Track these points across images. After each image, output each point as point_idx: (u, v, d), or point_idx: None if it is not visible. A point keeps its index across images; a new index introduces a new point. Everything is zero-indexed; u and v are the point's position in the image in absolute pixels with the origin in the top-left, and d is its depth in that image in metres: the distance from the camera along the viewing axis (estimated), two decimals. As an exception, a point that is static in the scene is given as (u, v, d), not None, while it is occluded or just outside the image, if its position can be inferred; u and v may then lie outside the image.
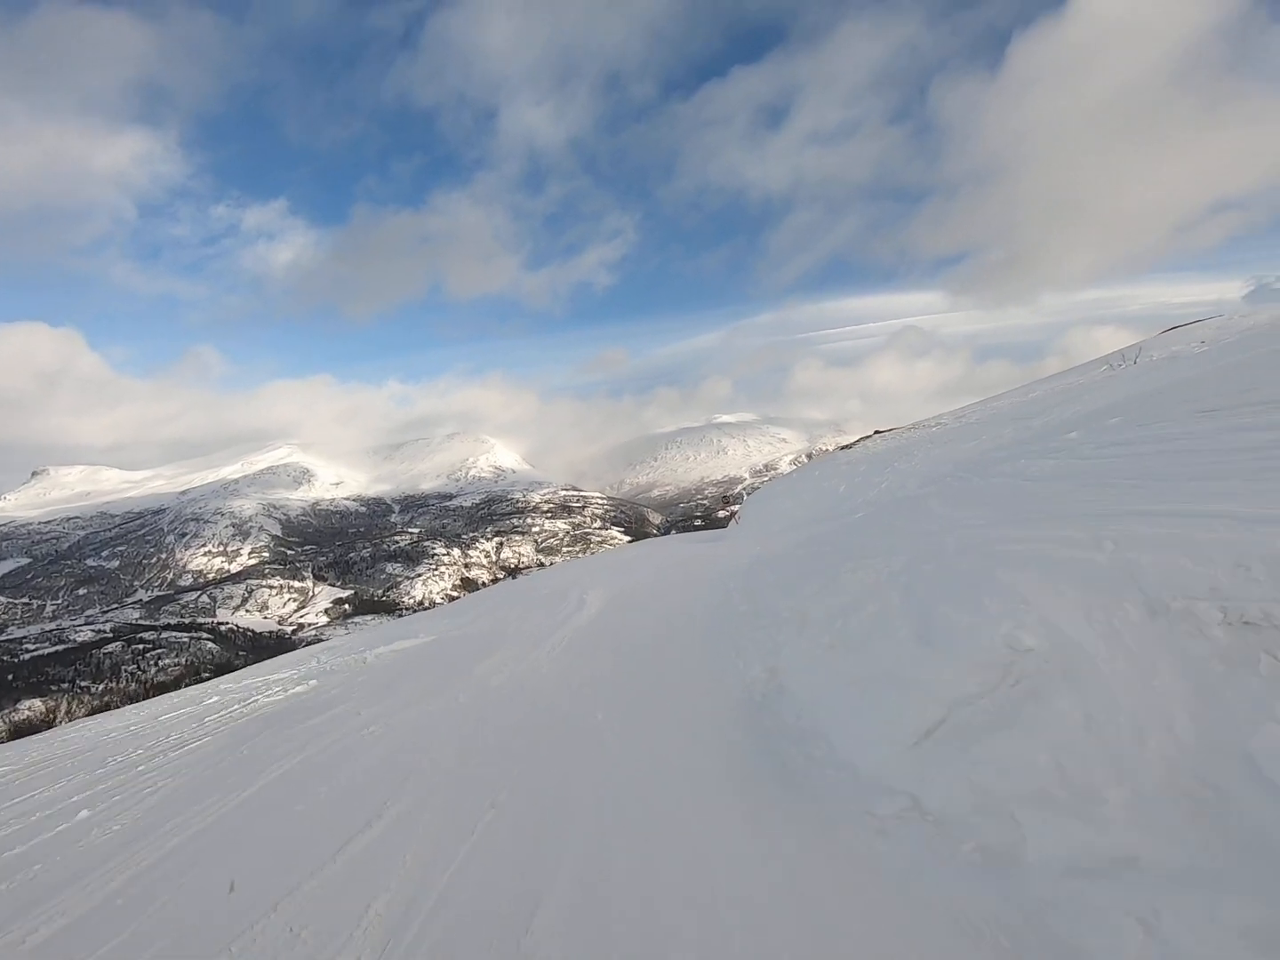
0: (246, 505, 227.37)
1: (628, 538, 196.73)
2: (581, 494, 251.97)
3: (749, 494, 28.16)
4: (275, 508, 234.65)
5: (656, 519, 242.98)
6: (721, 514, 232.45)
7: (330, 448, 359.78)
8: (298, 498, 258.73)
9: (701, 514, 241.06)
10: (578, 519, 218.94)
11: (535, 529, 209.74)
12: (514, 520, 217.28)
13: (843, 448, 24.08)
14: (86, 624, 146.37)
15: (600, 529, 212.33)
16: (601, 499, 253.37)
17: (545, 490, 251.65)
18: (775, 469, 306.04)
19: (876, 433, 23.44)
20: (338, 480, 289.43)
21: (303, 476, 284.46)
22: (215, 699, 7.66)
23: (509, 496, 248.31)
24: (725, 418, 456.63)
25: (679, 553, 15.98)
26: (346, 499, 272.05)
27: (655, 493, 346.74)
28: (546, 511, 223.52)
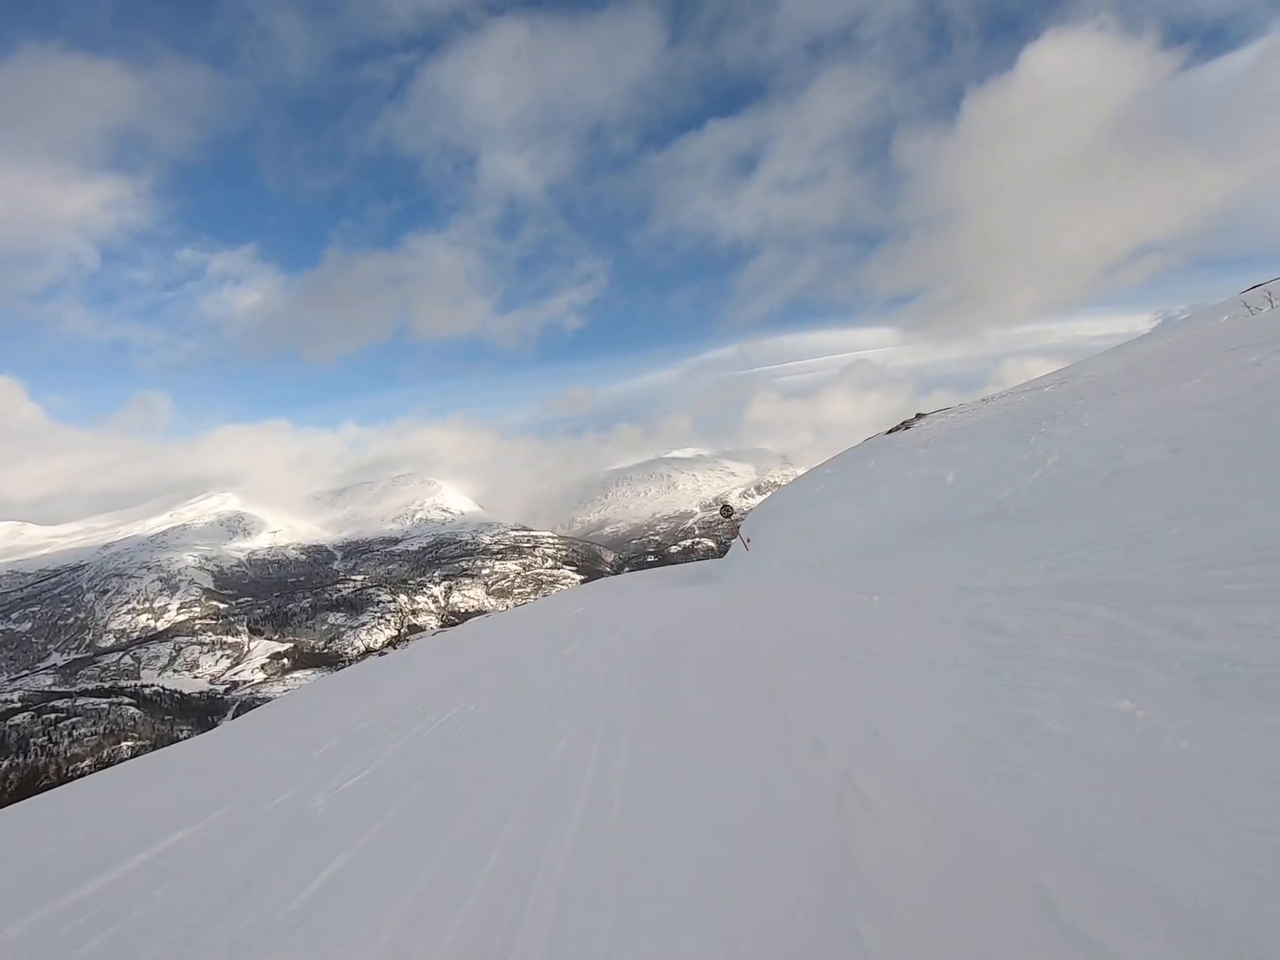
0: (176, 558, 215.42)
1: (580, 577, 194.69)
2: (532, 534, 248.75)
3: (744, 513, 21.36)
4: (208, 559, 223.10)
5: (609, 556, 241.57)
6: (674, 549, 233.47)
7: (272, 495, 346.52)
8: (233, 548, 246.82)
9: (654, 550, 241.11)
10: (529, 559, 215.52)
11: (485, 571, 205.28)
12: (463, 563, 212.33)
13: (895, 429, 19.53)
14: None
15: (552, 569, 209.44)
16: (553, 538, 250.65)
17: (495, 531, 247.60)
18: (725, 502, 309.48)
19: (919, 416, 19.71)
20: (276, 529, 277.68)
21: (237, 525, 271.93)
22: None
23: (458, 539, 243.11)
24: (676, 452, 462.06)
25: (643, 613, 11.27)
26: (286, 547, 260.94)
27: (607, 530, 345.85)
28: (497, 553, 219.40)
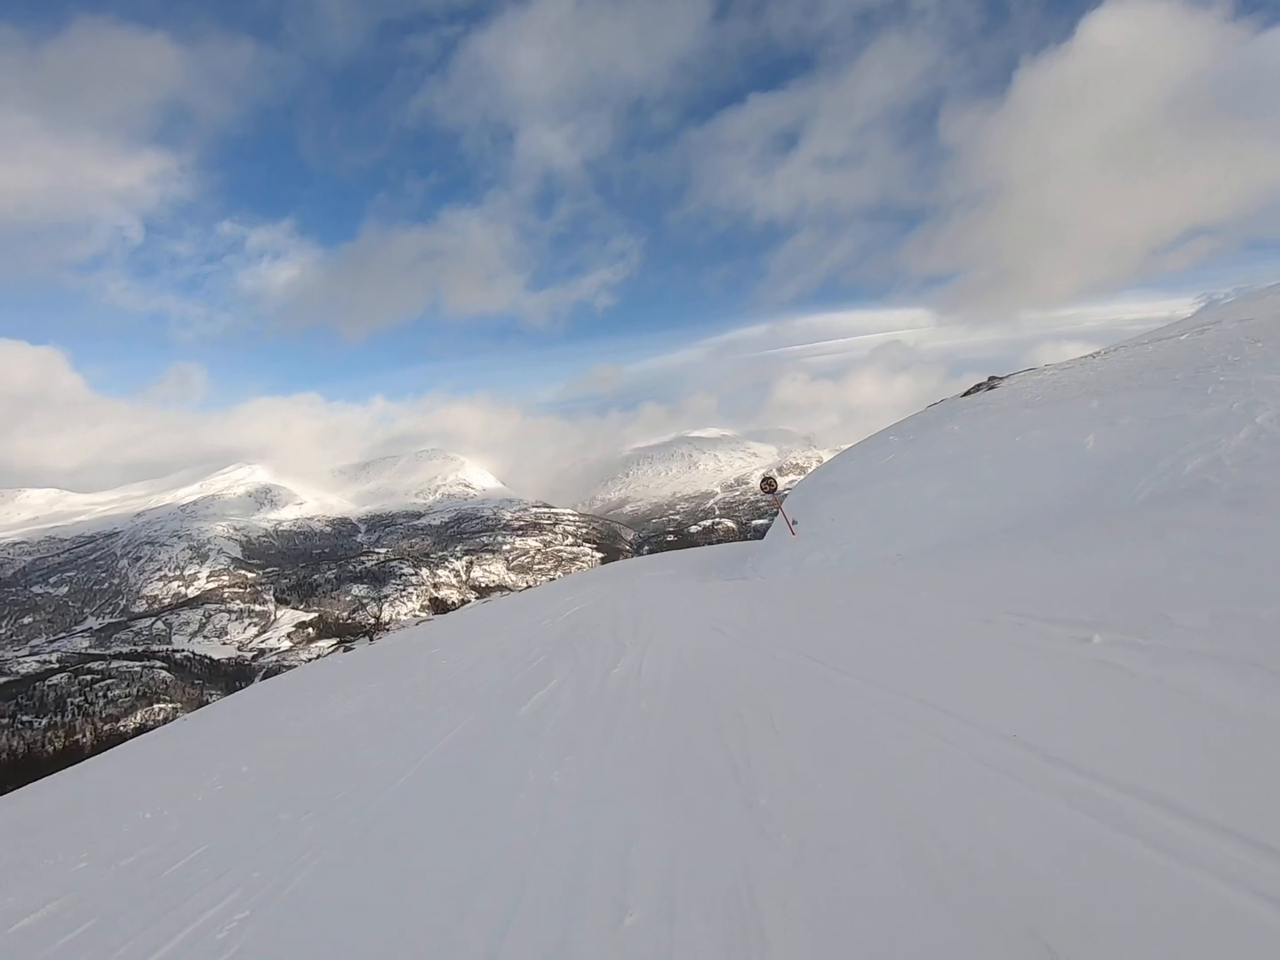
0: (206, 527, 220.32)
1: (600, 555, 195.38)
2: (553, 511, 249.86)
3: (788, 488, 18.72)
4: (236, 529, 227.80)
5: (629, 535, 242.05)
6: (694, 529, 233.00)
7: (300, 467, 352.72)
8: (261, 519, 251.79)
9: (674, 529, 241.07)
10: (549, 536, 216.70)
11: (506, 547, 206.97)
12: (484, 538, 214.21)
13: (973, 391, 17.44)
14: (31, 654, 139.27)
15: (572, 546, 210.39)
16: (574, 516, 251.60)
17: (517, 508, 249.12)
18: (746, 483, 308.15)
19: (993, 378, 17.75)
20: (303, 501, 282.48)
21: (265, 497, 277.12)
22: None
23: (479, 514, 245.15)
24: (698, 432, 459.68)
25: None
26: (312, 519, 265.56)
27: (627, 509, 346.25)
28: (518, 529, 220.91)
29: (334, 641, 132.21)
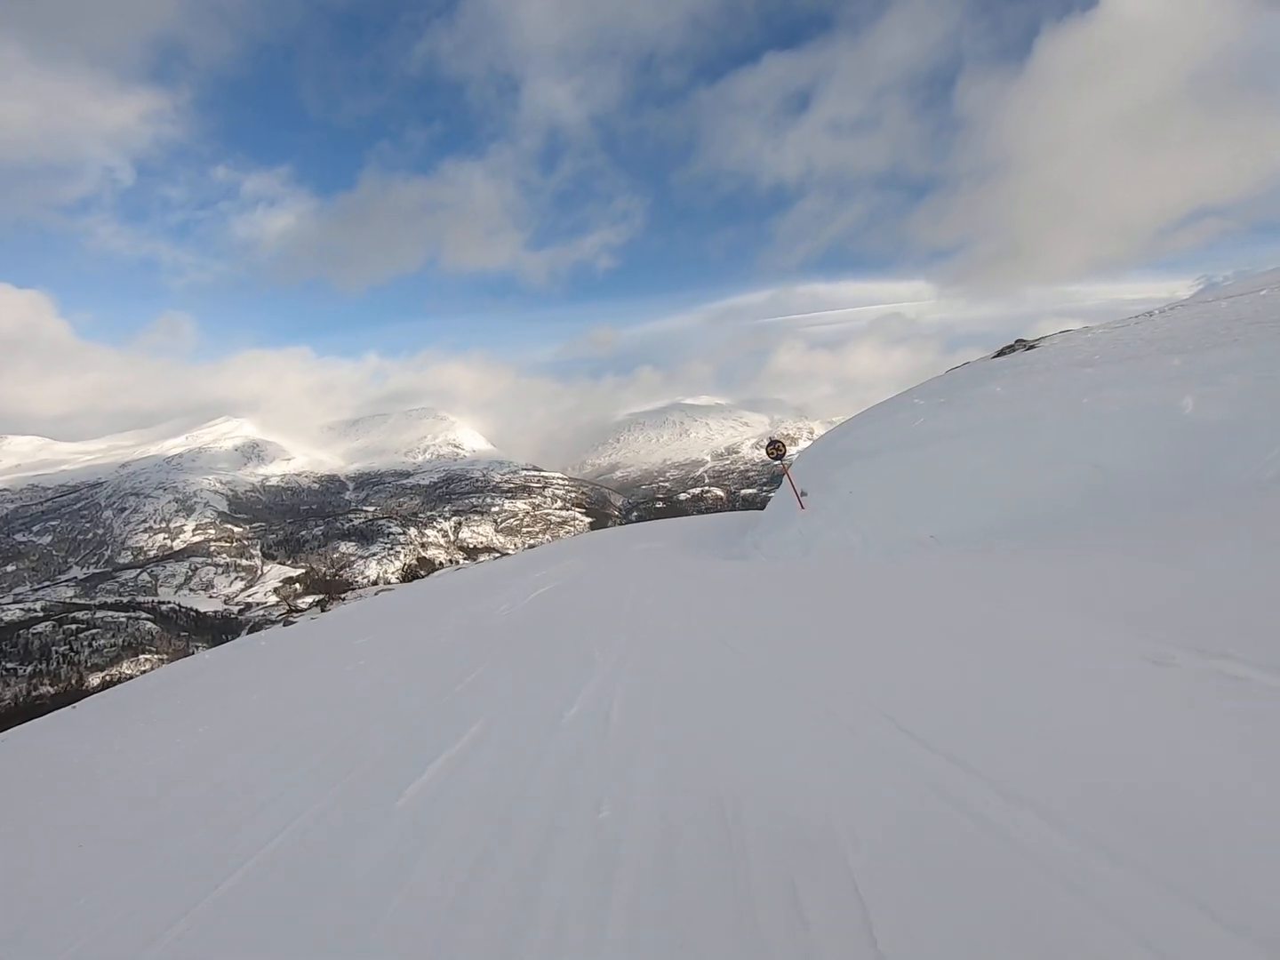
0: (192, 480, 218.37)
1: (589, 519, 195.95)
2: (543, 474, 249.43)
3: (794, 449, 16.86)
4: (223, 483, 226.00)
5: (618, 501, 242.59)
6: (683, 497, 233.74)
7: (290, 422, 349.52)
8: (248, 474, 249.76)
9: (663, 496, 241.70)
10: (538, 499, 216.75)
11: (495, 509, 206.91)
12: (473, 499, 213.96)
13: (1005, 351, 16.20)
14: (15, 602, 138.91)
15: (561, 510, 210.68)
16: (563, 480, 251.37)
17: (506, 470, 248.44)
18: (737, 452, 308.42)
19: (1020, 342, 16.60)
20: (291, 456, 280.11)
21: (253, 451, 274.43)
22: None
23: (469, 475, 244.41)
24: (692, 400, 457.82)
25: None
26: (300, 475, 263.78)
27: (617, 474, 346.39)
28: (507, 491, 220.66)
29: (320, 597, 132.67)
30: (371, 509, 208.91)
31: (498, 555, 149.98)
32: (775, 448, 14.26)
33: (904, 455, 10.88)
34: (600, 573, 11.63)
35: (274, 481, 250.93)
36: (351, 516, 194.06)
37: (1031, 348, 15.32)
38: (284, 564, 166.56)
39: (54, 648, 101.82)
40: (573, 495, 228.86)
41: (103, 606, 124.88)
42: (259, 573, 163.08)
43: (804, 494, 12.29)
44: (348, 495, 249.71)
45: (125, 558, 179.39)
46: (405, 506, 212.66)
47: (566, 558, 16.23)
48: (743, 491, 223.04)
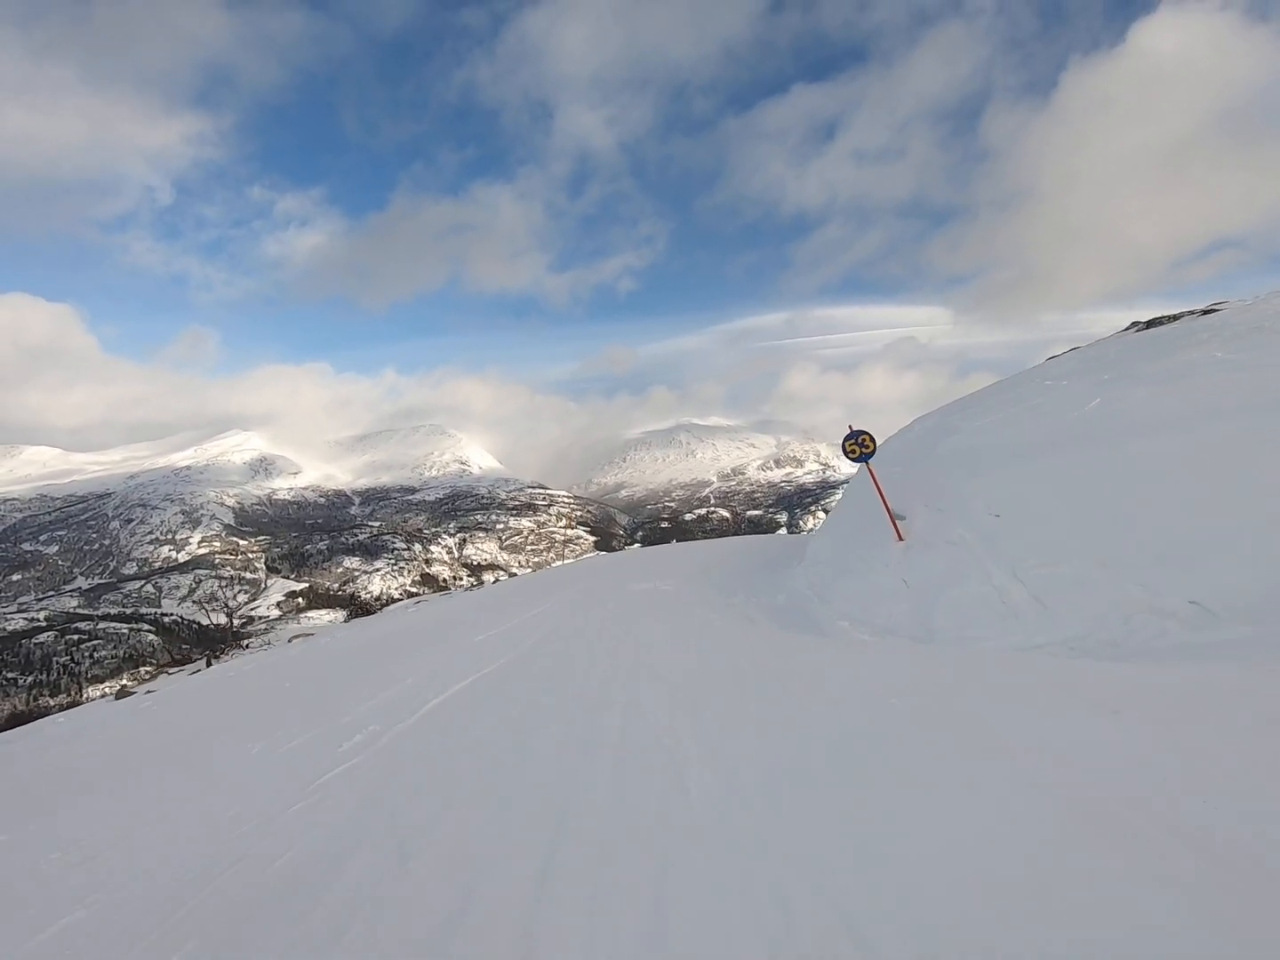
0: (199, 492, 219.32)
1: (594, 538, 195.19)
2: (549, 492, 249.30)
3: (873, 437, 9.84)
4: (230, 496, 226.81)
5: (623, 520, 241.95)
6: (688, 517, 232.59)
7: (300, 437, 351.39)
8: (255, 487, 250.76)
9: (668, 516, 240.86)
10: (543, 518, 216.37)
11: (500, 526, 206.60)
12: (479, 516, 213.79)
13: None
14: (19, 611, 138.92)
15: (566, 529, 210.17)
16: (569, 498, 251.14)
17: (512, 487, 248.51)
18: (743, 473, 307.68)
19: (1134, 324, 13.89)
20: (298, 470, 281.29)
21: (260, 465, 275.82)
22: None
23: (475, 492, 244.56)
24: (700, 420, 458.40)
25: None
26: (306, 489, 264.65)
27: (623, 494, 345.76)
28: (513, 509, 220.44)
29: (324, 612, 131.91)
30: (377, 524, 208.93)
31: (501, 573, 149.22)
32: (857, 444, 9.29)
33: (1094, 456, 6.73)
34: (573, 643, 7.00)
35: (281, 495, 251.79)
36: (357, 531, 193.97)
37: (1210, 312, 11.74)
38: (288, 577, 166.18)
39: (55, 658, 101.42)
40: (578, 514, 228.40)
41: (105, 618, 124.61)
42: (263, 586, 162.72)
43: (901, 519, 8.42)
44: (354, 510, 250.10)
45: (130, 569, 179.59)
46: (411, 522, 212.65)
47: (536, 604, 11.20)
48: (749, 513, 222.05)
